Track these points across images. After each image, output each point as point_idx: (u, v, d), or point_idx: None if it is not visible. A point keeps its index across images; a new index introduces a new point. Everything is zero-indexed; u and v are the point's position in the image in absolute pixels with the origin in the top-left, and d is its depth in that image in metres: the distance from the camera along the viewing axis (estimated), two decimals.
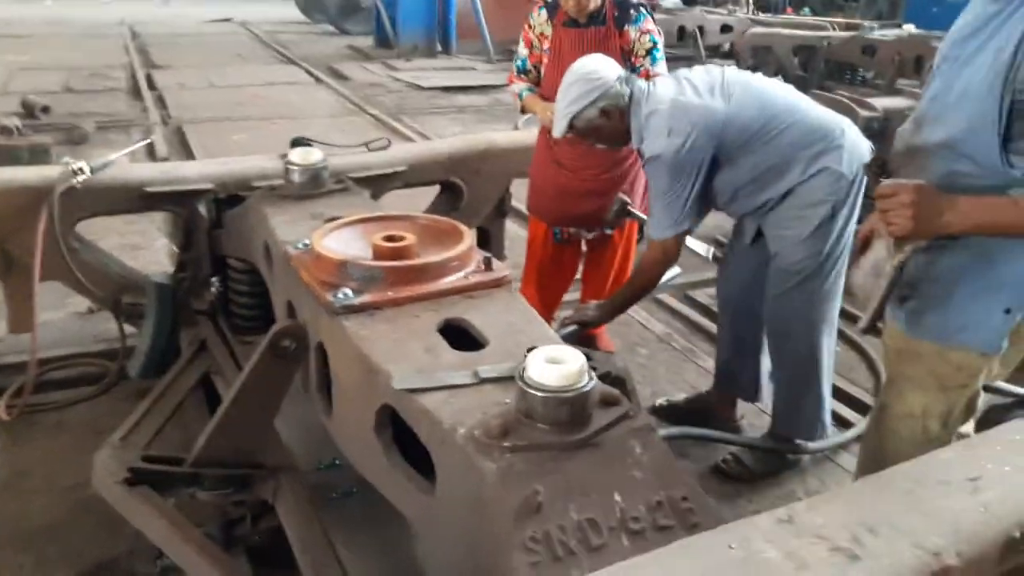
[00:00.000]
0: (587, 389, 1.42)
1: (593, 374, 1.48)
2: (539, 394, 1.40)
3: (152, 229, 4.77)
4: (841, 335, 3.82)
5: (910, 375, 1.91)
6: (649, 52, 3.16)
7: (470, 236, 2.05)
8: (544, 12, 3.24)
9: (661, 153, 2.45)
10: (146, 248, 4.51)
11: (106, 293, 3.02)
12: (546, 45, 3.24)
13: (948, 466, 1.42)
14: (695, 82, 2.54)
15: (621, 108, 2.56)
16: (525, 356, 1.44)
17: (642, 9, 3.19)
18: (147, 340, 2.85)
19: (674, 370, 3.47)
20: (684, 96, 2.49)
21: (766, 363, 2.90)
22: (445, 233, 2.11)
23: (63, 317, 3.67)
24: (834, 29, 9.91)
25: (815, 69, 9.09)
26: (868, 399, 3.19)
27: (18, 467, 2.69)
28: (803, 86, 7.37)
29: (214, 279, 3.09)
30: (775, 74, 10.19)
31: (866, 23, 9.67)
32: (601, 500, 1.37)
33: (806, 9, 14.75)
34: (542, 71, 3.28)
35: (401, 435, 1.66)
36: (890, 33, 8.27)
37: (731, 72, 2.59)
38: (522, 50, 3.34)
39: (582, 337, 3.47)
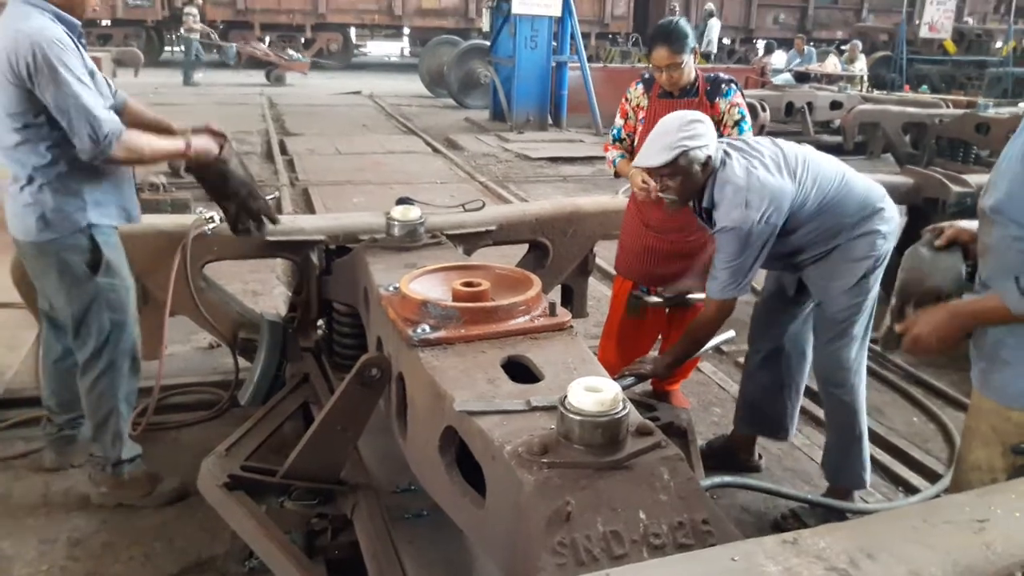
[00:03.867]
0: (620, 416, 1.59)
1: (629, 404, 1.65)
2: (576, 418, 1.58)
3: (271, 278, 5.23)
4: (921, 407, 3.82)
5: (976, 429, 1.99)
6: (737, 124, 3.37)
7: (538, 285, 2.26)
8: (641, 86, 3.49)
9: (738, 225, 2.57)
10: (265, 295, 4.94)
11: (225, 328, 3.39)
12: (641, 115, 3.47)
13: (959, 508, 1.50)
14: (764, 158, 2.66)
15: (713, 167, 2.65)
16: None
17: (732, 85, 3.41)
18: (257, 371, 3.16)
19: (725, 428, 3.51)
20: (758, 171, 2.60)
21: (793, 404, 3.12)
22: (518, 282, 2.34)
23: (187, 350, 4.10)
24: (948, 107, 9.77)
25: (926, 146, 8.97)
26: (940, 468, 3.17)
27: None
28: (914, 163, 7.36)
29: (320, 321, 3.42)
30: (884, 150, 10.19)
31: (981, 101, 9.49)
32: (627, 516, 1.53)
33: (924, 87, 14.54)
34: (636, 140, 3.51)
35: (462, 461, 1.87)
36: (1005, 111, 8.11)
37: (789, 148, 2.73)
38: (618, 120, 3.59)
39: (656, 394, 3.61)
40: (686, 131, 2.60)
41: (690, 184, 2.67)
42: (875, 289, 2.77)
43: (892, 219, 2.76)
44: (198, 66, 17.77)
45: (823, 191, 2.67)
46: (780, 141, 2.77)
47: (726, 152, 2.68)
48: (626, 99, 3.55)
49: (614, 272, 3.70)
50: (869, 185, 2.78)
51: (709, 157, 2.62)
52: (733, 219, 2.57)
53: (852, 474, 2.89)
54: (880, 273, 2.76)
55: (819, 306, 2.81)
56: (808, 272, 2.81)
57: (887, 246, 2.74)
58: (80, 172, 2.58)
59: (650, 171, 2.74)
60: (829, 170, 2.71)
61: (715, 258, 2.68)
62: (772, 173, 2.61)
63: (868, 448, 2.91)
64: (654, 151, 2.65)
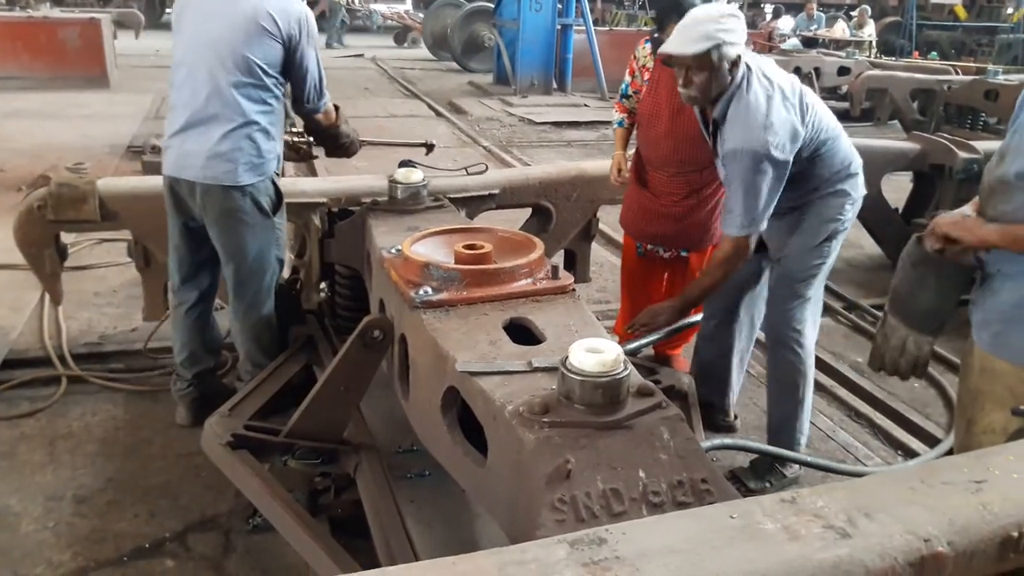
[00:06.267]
0: (620, 376, 1.60)
1: (630, 365, 1.66)
2: (577, 378, 1.59)
3: None
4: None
5: (990, 392, 1.98)
6: None
7: (540, 247, 2.25)
8: (649, 46, 3.43)
9: (755, 148, 2.46)
10: None
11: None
12: (646, 76, 3.43)
13: (956, 469, 1.51)
14: (784, 89, 2.59)
15: (724, 73, 2.52)
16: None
17: None
18: None
19: (747, 394, 3.52)
20: (777, 99, 2.53)
21: (737, 374, 3.17)
22: (520, 245, 2.34)
23: None
24: (957, 73, 9.66)
25: (934, 113, 8.89)
26: (940, 434, 3.19)
27: (141, 435, 3.09)
28: (921, 130, 7.30)
29: (323, 283, 3.42)
30: (891, 117, 10.10)
31: (991, 67, 9.37)
32: (626, 475, 1.54)
33: (933, 54, 14.38)
34: (641, 97, 3.47)
35: (463, 421, 1.88)
36: (1014, 77, 8.02)
37: (803, 88, 2.70)
38: (626, 77, 3.56)
39: (659, 358, 3.63)
40: (723, 24, 2.48)
41: (715, 83, 2.54)
42: (834, 255, 2.78)
43: (862, 186, 2.80)
44: (342, 31, 18.76)
45: (819, 141, 2.66)
46: (799, 83, 2.70)
47: (749, 68, 2.58)
48: (634, 57, 3.51)
49: (618, 237, 3.69)
50: (852, 148, 2.80)
51: (739, 57, 2.52)
52: (749, 140, 2.47)
53: (789, 437, 2.89)
54: (841, 240, 2.77)
55: (778, 262, 2.82)
56: (773, 224, 2.71)
57: (851, 214, 2.76)
58: (276, 125, 2.93)
59: (678, 61, 2.57)
60: (827, 121, 2.71)
61: (727, 192, 2.63)
62: (789, 108, 2.57)
63: (809, 413, 2.92)
64: (689, 38, 2.49)
